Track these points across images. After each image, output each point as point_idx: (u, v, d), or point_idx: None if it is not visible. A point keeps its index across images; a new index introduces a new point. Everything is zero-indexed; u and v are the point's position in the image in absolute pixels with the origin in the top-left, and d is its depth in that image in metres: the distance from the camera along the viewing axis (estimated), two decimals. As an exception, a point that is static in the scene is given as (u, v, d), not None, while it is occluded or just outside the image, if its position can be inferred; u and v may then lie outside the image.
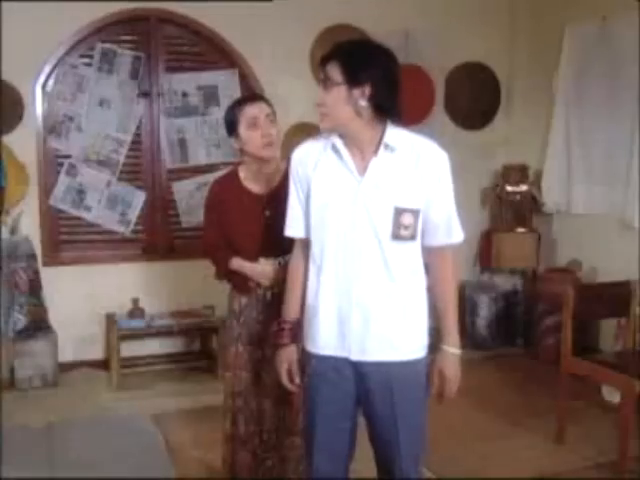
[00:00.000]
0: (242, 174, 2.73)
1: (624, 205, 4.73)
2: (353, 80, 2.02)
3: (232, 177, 2.76)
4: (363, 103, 2.03)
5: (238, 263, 2.70)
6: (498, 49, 5.74)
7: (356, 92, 2.02)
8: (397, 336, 2.13)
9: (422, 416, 2.22)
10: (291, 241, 2.32)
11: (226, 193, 2.73)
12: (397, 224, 2.06)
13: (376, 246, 2.08)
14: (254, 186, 2.71)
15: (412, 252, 2.13)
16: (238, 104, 2.70)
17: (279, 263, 2.63)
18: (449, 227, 2.15)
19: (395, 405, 2.14)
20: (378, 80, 2.02)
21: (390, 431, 2.18)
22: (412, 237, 2.09)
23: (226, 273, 2.80)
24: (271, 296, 2.72)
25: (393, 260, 2.09)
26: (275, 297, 2.68)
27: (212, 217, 2.78)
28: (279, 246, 2.49)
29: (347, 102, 2.04)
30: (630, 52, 4.63)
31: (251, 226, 2.67)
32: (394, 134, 2.09)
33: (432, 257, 2.19)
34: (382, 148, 2.08)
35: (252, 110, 2.60)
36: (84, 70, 4.73)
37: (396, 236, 2.07)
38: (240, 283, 2.76)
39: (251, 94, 2.48)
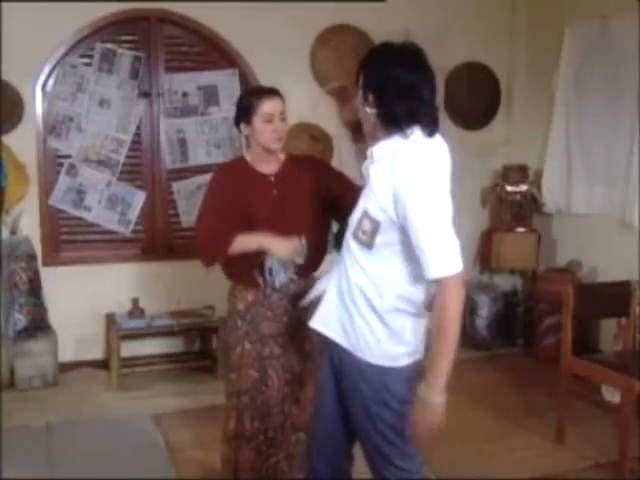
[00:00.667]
0: (249, 158, 2.78)
1: (624, 205, 4.73)
2: (364, 86, 2.04)
3: (238, 161, 2.83)
4: (369, 110, 2.03)
5: (243, 239, 2.62)
6: (498, 49, 5.75)
7: (366, 99, 2.03)
8: (349, 326, 2.15)
9: (380, 420, 2.15)
10: (307, 227, 2.57)
11: (234, 175, 2.75)
12: (359, 226, 2.08)
13: (348, 242, 2.15)
14: (261, 168, 2.75)
15: (369, 259, 2.08)
16: (257, 95, 2.74)
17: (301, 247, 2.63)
18: (423, 260, 1.95)
19: (344, 397, 2.22)
20: (382, 88, 1.99)
21: (351, 424, 2.25)
22: (368, 245, 2.06)
23: (227, 263, 2.76)
24: (282, 297, 2.74)
25: (351, 258, 2.13)
26: (287, 296, 2.73)
27: (214, 203, 2.73)
28: (292, 229, 2.61)
29: (362, 109, 2.07)
30: (630, 52, 4.63)
31: (262, 205, 2.69)
32: (386, 145, 2.05)
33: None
34: (369, 153, 2.10)
35: (270, 106, 2.68)
36: (84, 70, 4.73)
37: (355, 236, 2.10)
38: (243, 276, 2.74)
39: (269, 88, 2.66)
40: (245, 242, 2.62)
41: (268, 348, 2.75)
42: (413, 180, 1.94)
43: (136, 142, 4.91)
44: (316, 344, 2.72)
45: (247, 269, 2.70)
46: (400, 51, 2.03)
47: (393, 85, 1.97)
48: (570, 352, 3.69)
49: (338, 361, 2.21)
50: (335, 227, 5.45)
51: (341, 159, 5.38)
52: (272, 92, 2.76)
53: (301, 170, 2.78)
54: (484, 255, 5.55)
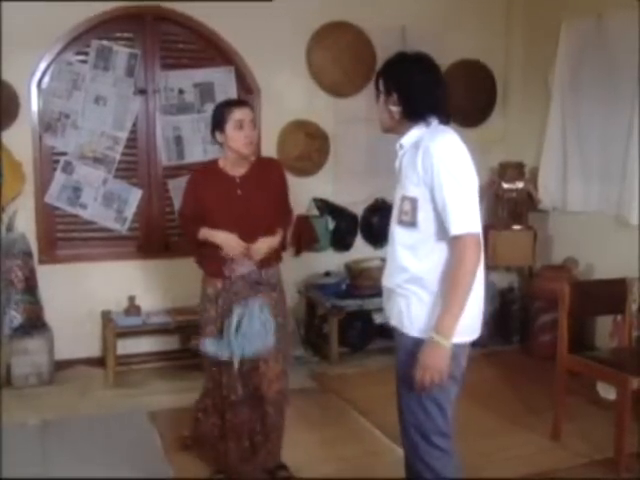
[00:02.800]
0: (221, 163, 3.16)
1: (620, 202, 4.74)
2: (386, 89, 2.39)
3: (211, 165, 3.23)
4: (394, 108, 2.37)
5: (205, 231, 3.07)
6: (494, 46, 5.75)
7: (390, 99, 2.37)
8: (405, 308, 2.35)
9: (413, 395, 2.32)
10: (269, 224, 3.05)
11: (205, 176, 3.18)
12: (400, 210, 2.37)
13: (392, 231, 2.42)
14: (229, 171, 3.12)
15: (416, 238, 2.31)
16: (227, 106, 3.12)
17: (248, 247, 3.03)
18: (446, 219, 2.21)
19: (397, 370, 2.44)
20: (404, 89, 2.34)
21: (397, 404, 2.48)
22: (412, 223, 2.31)
23: (196, 249, 3.17)
24: (240, 286, 3.08)
25: (399, 243, 2.37)
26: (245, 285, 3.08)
27: (190, 196, 3.17)
28: (255, 227, 3.04)
29: (385, 108, 2.41)
30: (626, 48, 4.63)
31: (225, 203, 3.07)
32: (412, 134, 2.37)
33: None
34: (398, 146, 2.43)
35: (239, 114, 3.04)
36: (80, 67, 4.72)
37: (400, 221, 2.37)
38: (211, 268, 3.12)
39: (238, 99, 3.43)
40: (207, 234, 3.07)
41: None
42: (438, 147, 2.25)
43: (132, 139, 4.91)
44: (282, 324, 3.13)
45: (212, 260, 3.08)
46: (414, 58, 2.41)
47: (414, 85, 2.34)
48: (566, 349, 3.70)
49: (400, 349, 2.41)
50: (331, 225, 5.49)
51: (337, 156, 5.39)
52: (241, 102, 3.27)
53: (265, 173, 3.17)
54: (480, 252, 5.54)
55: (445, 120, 2.39)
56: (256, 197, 3.09)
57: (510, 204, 5.42)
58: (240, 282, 3.08)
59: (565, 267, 5.14)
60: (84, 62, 4.73)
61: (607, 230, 4.90)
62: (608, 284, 3.91)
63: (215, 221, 3.06)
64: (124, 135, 4.86)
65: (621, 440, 3.39)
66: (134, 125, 4.90)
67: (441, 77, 2.40)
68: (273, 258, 3.18)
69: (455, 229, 2.19)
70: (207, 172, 3.19)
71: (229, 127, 3.03)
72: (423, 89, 2.34)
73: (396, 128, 2.42)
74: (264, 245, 3.06)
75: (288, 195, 3.28)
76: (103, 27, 4.73)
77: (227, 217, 3.05)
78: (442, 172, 2.20)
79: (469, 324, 2.31)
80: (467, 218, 2.20)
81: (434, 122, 2.36)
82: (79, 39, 4.68)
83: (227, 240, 3.03)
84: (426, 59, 2.40)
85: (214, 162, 3.21)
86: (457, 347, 2.25)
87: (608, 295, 3.85)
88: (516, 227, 5.40)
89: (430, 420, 2.34)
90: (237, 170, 3.12)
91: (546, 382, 4.12)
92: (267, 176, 3.16)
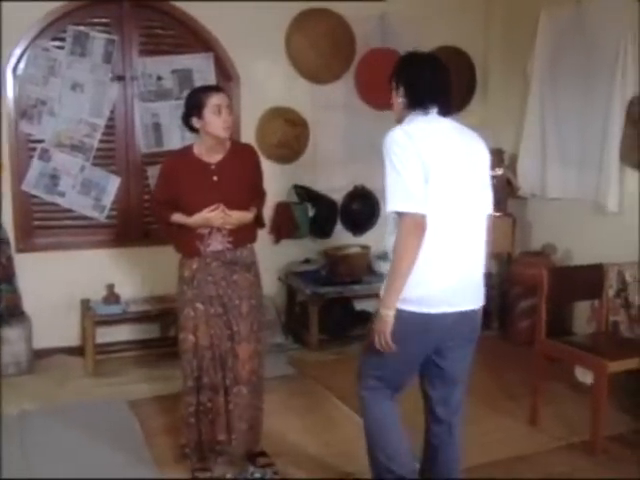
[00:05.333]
0: (196, 150, 3.16)
1: (598, 189, 4.77)
2: (396, 83, 2.65)
3: (186, 151, 3.21)
4: (400, 100, 2.62)
5: (179, 217, 3.11)
6: (473, 33, 5.76)
7: (399, 92, 2.63)
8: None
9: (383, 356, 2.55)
10: (244, 210, 3.12)
11: (180, 163, 3.18)
12: None
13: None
14: (205, 157, 3.13)
15: (389, 218, 2.57)
16: (205, 91, 3.13)
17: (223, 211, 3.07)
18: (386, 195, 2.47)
19: None
20: (407, 83, 2.60)
21: None
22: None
23: (169, 233, 3.21)
24: (215, 266, 3.12)
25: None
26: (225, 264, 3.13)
27: (164, 180, 3.19)
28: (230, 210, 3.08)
29: (395, 100, 2.66)
30: (603, 36, 4.66)
31: (201, 190, 3.08)
32: (405, 122, 2.58)
33: None
34: None
35: (217, 99, 3.06)
36: (56, 53, 4.66)
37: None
38: (187, 247, 3.15)
39: (214, 85, 3.44)
40: (181, 220, 3.10)
41: (213, 308, 3.13)
42: (390, 134, 2.49)
43: (110, 126, 4.87)
44: (255, 306, 3.18)
45: (187, 238, 3.11)
46: (420, 56, 2.68)
47: (414, 76, 2.60)
48: (544, 335, 3.73)
49: None
50: (311, 212, 5.48)
51: (317, 143, 5.38)
52: (218, 88, 3.27)
53: (240, 159, 3.18)
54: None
55: (445, 111, 2.60)
56: (232, 183, 3.11)
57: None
58: (215, 263, 3.12)
59: (544, 253, 5.18)
60: (60, 48, 4.67)
61: (585, 216, 4.94)
62: (586, 270, 3.95)
63: (191, 207, 3.07)
64: (102, 122, 4.82)
65: (597, 423, 3.44)
66: (112, 112, 4.85)
67: (443, 72, 2.63)
68: (247, 237, 3.21)
69: (388, 207, 2.45)
70: (182, 158, 3.19)
71: (207, 112, 3.03)
72: (422, 81, 2.58)
73: (400, 116, 2.64)
74: (239, 214, 3.11)
75: (262, 179, 3.32)
76: (79, 13, 4.68)
77: (203, 204, 3.05)
78: (385, 157, 2.45)
79: (424, 295, 2.46)
80: (399, 199, 2.40)
81: (433, 112, 2.56)
82: (55, 24, 4.63)
83: (204, 217, 3.05)
84: (431, 57, 2.69)
85: (188, 148, 3.21)
86: (412, 315, 2.47)
87: (586, 281, 3.89)
88: (495, 214, 5.38)
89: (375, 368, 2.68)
90: (212, 157, 3.13)
91: (525, 367, 4.16)
92: (242, 162, 3.18)
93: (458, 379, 2.71)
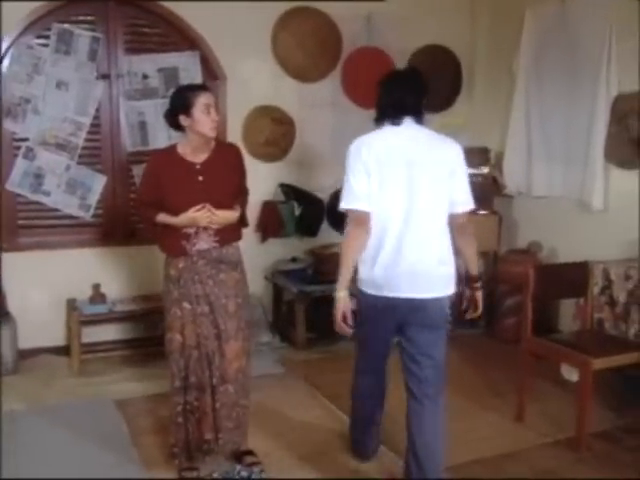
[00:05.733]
0: (180, 149, 3.15)
1: (583, 187, 4.80)
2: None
3: (170, 150, 3.19)
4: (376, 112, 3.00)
5: (164, 217, 3.11)
6: (459, 32, 5.78)
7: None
8: None
9: None
10: (229, 209, 3.13)
11: (165, 163, 3.16)
12: None
13: None
14: (190, 157, 3.13)
15: None
16: (194, 90, 3.12)
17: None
18: None
19: None
20: (377, 101, 2.98)
21: None
22: None
23: (154, 233, 3.20)
24: (202, 265, 3.11)
25: None
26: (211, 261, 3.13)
27: (149, 180, 3.18)
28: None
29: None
30: (588, 34, 4.68)
31: (187, 189, 3.08)
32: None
33: None
34: None
35: (206, 98, 3.07)
36: (40, 51, 4.63)
37: None
38: (173, 246, 3.13)
39: (202, 84, 3.45)
40: (167, 220, 3.09)
41: (200, 307, 3.12)
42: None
43: (95, 125, 4.84)
44: (242, 305, 3.18)
45: (173, 238, 3.11)
46: (396, 72, 3.24)
47: (389, 96, 2.94)
48: (530, 332, 3.75)
49: None
50: (297, 211, 5.48)
51: (303, 141, 5.38)
52: (205, 87, 3.25)
53: (225, 159, 3.18)
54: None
55: (417, 119, 2.90)
56: (217, 183, 3.11)
57: (475, 189, 5.40)
58: (201, 261, 3.11)
59: (529, 251, 5.21)
60: (45, 46, 4.63)
61: (570, 214, 4.97)
62: (571, 268, 3.96)
63: (176, 207, 3.07)
64: (87, 120, 4.79)
65: (583, 420, 3.46)
66: (97, 110, 4.83)
67: (413, 88, 2.94)
68: (233, 235, 3.22)
69: (339, 206, 2.86)
70: (166, 158, 3.17)
71: (197, 111, 3.03)
72: (389, 99, 2.92)
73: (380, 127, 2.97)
74: (225, 213, 3.12)
75: (246, 178, 3.32)
76: (64, 10, 4.65)
77: (188, 203, 3.05)
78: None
79: (370, 279, 2.88)
80: (345, 199, 2.83)
81: (407, 121, 2.88)
82: (40, 22, 4.59)
83: (190, 217, 3.05)
84: (404, 75, 3.06)
85: (172, 148, 3.20)
86: (365, 295, 2.92)
87: (571, 278, 3.91)
88: (481, 212, 5.43)
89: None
90: (197, 156, 3.13)
91: (511, 365, 4.18)
92: (227, 162, 3.19)
93: (423, 359, 2.90)
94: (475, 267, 3.11)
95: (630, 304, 3.76)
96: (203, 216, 3.06)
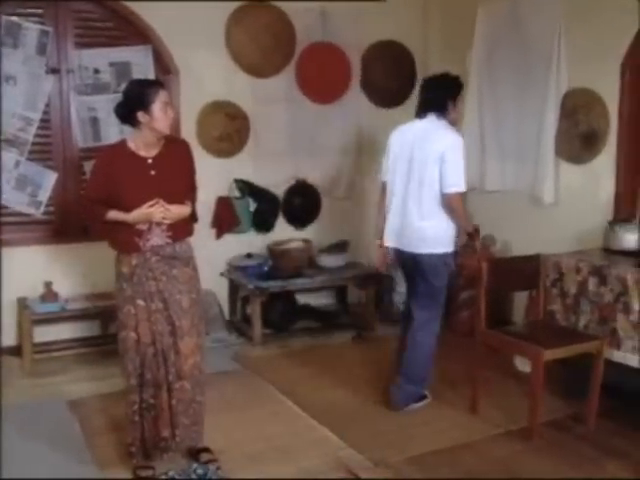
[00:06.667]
0: (132, 144, 3.12)
1: (534, 181, 4.88)
2: None
3: (121, 146, 3.15)
4: None
5: (115, 213, 3.06)
6: (413, 28, 5.82)
7: None
8: None
9: None
10: (181, 203, 3.11)
11: (115, 158, 3.11)
12: None
13: None
14: (141, 152, 3.11)
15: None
16: (152, 86, 3.10)
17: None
18: None
19: None
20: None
21: None
22: None
23: (103, 231, 3.16)
24: (155, 261, 3.10)
25: None
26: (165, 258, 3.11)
27: (98, 177, 3.14)
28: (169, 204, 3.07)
29: None
30: (538, 31, 4.75)
31: (139, 185, 3.07)
32: None
33: None
34: None
35: (165, 96, 3.07)
36: (-14, 45, 4.53)
37: None
38: (125, 243, 3.10)
39: (158, 80, 3.49)
40: (119, 217, 3.06)
41: (154, 304, 3.10)
42: None
43: (46, 120, 4.75)
44: (195, 300, 3.16)
45: (125, 234, 3.07)
46: (423, 81, 4.04)
47: (418, 96, 3.99)
48: (484, 325, 3.80)
49: None
50: (252, 206, 5.47)
51: (257, 137, 5.36)
52: (162, 84, 3.24)
53: (175, 153, 3.18)
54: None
55: (439, 114, 3.76)
56: (169, 178, 3.10)
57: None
58: (155, 258, 3.10)
59: (483, 245, 5.26)
60: (-9, 39, 4.53)
61: (523, 208, 5.04)
62: (523, 261, 4.02)
63: (129, 203, 3.04)
64: (37, 116, 4.70)
65: (534, 410, 3.52)
66: (47, 106, 4.74)
67: (433, 89, 3.81)
68: (185, 231, 3.22)
69: None
70: (117, 153, 3.13)
71: (156, 108, 3.02)
72: (419, 98, 3.92)
73: None
74: (178, 208, 3.11)
75: (195, 174, 3.31)
76: (11, 2, 4.54)
77: (141, 199, 3.03)
78: None
79: (385, 232, 3.89)
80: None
81: (431, 116, 3.74)
82: (-15, 15, 4.49)
83: (144, 213, 3.04)
84: (428, 79, 3.92)
85: (122, 143, 3.16)
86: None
87: (524, 271, 3.97)
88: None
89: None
90: (149, 151, 3.11)
91: (466, 357, 4.23)
92: (178, 157, 3.18)
93: (415, 300, 3.88)
94: (463, 228, 3.98)
95: (580, 296, 3.83)
96: (157, 211, 3.05)
